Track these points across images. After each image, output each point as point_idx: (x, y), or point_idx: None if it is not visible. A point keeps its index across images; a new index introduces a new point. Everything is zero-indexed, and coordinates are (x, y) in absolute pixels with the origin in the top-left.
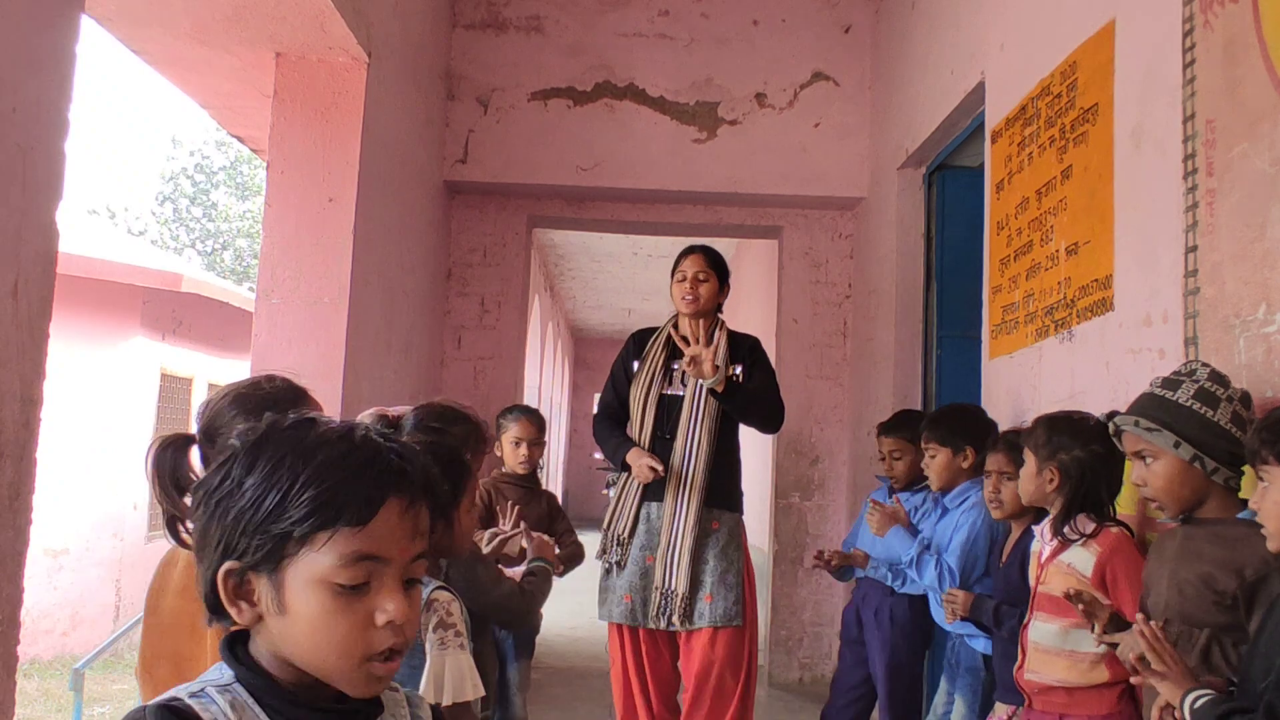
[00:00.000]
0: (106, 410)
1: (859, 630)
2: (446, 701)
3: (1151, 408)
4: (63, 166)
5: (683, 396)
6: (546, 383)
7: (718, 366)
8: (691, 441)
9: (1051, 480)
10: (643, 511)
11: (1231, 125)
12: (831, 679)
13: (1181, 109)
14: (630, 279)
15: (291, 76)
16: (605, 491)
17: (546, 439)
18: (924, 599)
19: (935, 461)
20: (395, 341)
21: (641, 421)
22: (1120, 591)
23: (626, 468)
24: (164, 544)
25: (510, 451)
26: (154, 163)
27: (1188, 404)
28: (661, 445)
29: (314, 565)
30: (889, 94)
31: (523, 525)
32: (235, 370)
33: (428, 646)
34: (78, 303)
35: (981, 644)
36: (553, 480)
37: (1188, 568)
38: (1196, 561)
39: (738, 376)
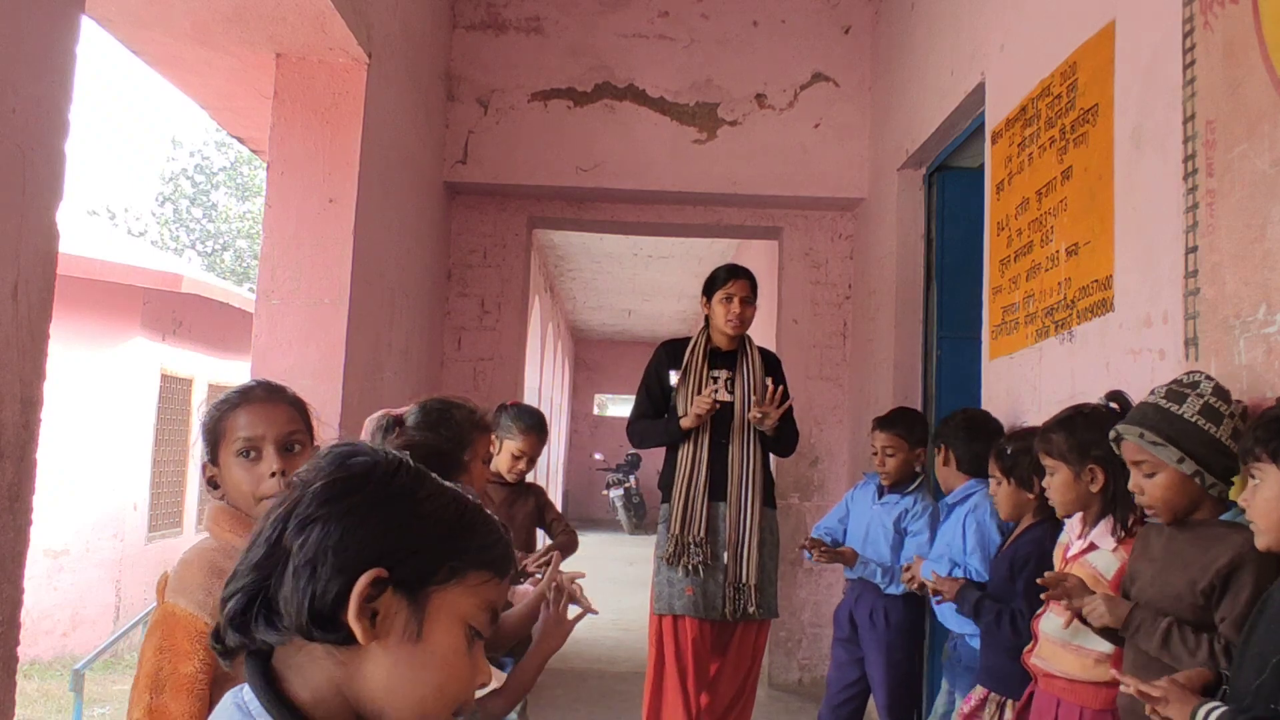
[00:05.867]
0: (106, 411)
1: (852, 630)
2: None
3: (1156, 420)
4: (63, 167)
5: (731, 404)
6: (546, 384)
7: (772, 411)
8: (747, 444)
9: (1094, 481)
10: (710, 510)
11: (1231, 125)
12: (826, 679)
13: (1181, 109)
14: (630, 279)
15: (291, 77)
16: (605, 493)
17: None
18: (918, 598)
19: (938, 470)
20: (395, 342)
21: (697, 430)
22: None
23: (676, 438)
24: (164, 544)
25: (506, 460)
26: (154, 163)
27: (1193, 419)
28: (718, 450)
29: (461, 601)
30: (889, 95)
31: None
32: (235, 371)
33: None
34: (78, 303)
35: (979, 642)
36: (553, 480)
37: (1174, 573)
38: (1181, 567)
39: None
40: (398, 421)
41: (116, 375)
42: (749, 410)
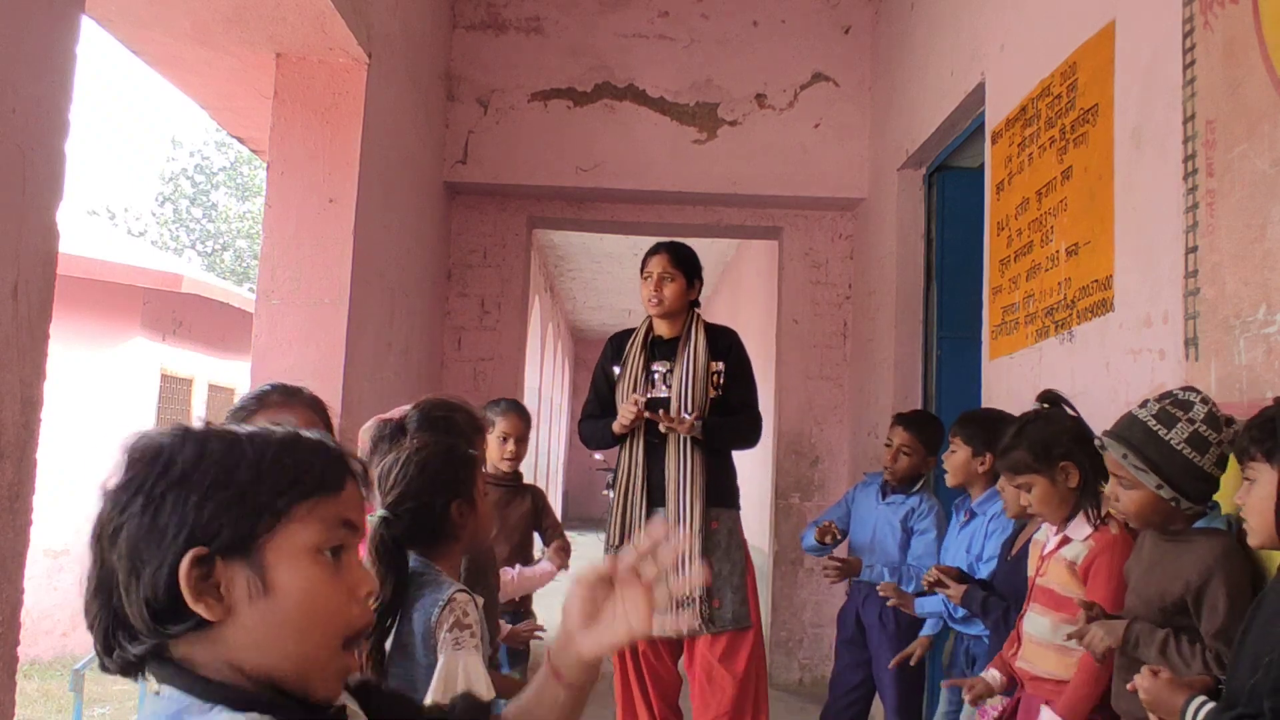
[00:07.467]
0: (106, 411)
1: (858, 631)
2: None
3: (1142, 443)
4: (63, 167)
5: (667, 399)
6: (546, 384)
7: (684, 419)
8: (683, 443)
9: (1070, 478)
10: (650, 517)
11: (1231, 125)
12: (829, 680)
13: (1181, 109)
14: (630, 279)
15: (291, 77)
16: (605, 493)
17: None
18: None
19: (954, 457)
20: (395, 342)
21: (633, 430)
22: (1096, 586)
23: (621, 440)
24: None
25: (495, 447)
26: (154, 163)
27: (1179, 447)
28: (653, 452)
29: (297, 537)
30: (889, 95)
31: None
32: (235, 371)
33: (440, 645)
34: (78, 303)
35: (989, 645)
36: (553, 481)
37: (1153, 579)
38: (1159, 575)
39: (718, 376)
40: (400, 428)
41: (116, 375)
42: (684, 409)
